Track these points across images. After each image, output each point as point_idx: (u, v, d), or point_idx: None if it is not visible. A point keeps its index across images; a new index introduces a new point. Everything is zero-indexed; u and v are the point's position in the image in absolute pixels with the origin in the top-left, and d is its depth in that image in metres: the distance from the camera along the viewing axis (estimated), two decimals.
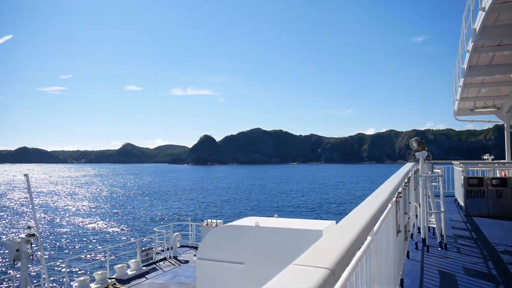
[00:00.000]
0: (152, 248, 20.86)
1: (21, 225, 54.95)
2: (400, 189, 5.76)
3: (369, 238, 2.84)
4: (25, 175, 15.17)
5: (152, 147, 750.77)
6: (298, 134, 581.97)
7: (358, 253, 2.40)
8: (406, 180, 7.22)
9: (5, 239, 43.53)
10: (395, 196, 5.07)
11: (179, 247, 22.86)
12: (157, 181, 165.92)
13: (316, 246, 1.90)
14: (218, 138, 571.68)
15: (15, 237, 13.72)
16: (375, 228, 3.12)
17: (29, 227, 14.03)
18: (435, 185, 12.19)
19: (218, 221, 22.29)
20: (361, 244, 2.35)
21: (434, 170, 11.37)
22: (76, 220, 58.74)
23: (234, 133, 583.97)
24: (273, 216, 12.41)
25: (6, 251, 15.80)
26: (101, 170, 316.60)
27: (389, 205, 4.34)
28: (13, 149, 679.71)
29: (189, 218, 25.33)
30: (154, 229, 22.64)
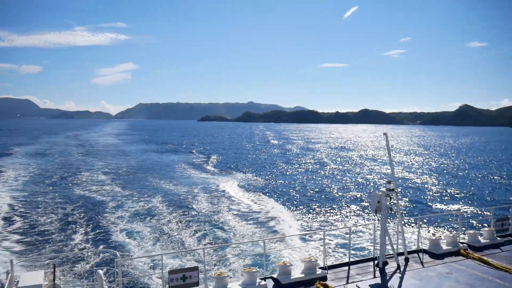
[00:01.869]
0: (509, 218, 18.95)
1: (378, 178, 61.03)
2: None
3: None
4: (385, 134, 16.34)
5: (493, 108, 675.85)
6: None
7: None
8: None
9: (367, 191, 49.56)
10: None
11: None
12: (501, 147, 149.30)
13: None
14: None
15: (376, 190, 15.05)
16: None
17: (389, 182, 15.13)
18: None
19: None
20: None
21: None
22: (425, 179, 60.58)
23: None
24: None
25: (368, 202, 17.68)
26: (428, 133, 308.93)
27: None
28: (356, 111, 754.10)
29: None
30: (511, 198, 20.45)
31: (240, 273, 19.50)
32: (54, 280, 11.82)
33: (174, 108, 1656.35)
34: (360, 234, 29.02)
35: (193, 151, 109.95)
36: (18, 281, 11.23)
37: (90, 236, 29.65)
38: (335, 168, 75.12)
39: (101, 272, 11.53)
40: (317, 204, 42.06)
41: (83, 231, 30.81)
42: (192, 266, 13.56)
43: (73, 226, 32.20)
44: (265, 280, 13.57)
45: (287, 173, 68.23)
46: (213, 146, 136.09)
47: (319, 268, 14.50)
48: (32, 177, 58.26)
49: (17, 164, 72.27)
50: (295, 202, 42.70)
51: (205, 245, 27.62)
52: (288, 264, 13.99)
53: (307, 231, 31.31)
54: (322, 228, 32.16)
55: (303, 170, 72.59)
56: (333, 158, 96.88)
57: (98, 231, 31.02)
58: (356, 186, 53.86)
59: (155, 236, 29.72)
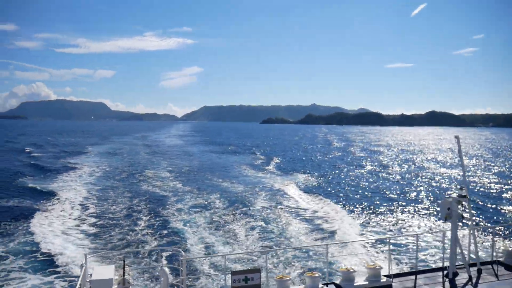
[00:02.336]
0: None
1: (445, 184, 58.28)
2: None
3: None
4: (456, 137, 15.50)
5: None
6: None
7: None
8: None
9: (435, 196, 47.38)
10: None
11: None
12: None
13: None
14: None
15: (447, 196, 14.28)
16: None
17: (460, 188, 14.32)
18: None
19: None
20: None
21: None
22: (499, 185, 56.92)
23: None
24: None
25: (438, 208, 16.82)
26: (501, 135, 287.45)
27: None
28: (422, 113, 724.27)
29: None
30: None
31: (302, 278, 19.35)
32: (124, 275, 12.37)
33: (237, 110, 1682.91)
34: (428, 242, 27.67)
35: (255, 152, 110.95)
36: (91, 274, 11.88)
37: (155, 231, 30.82)
38: (399, 172, 72.50)
39: (166, 269, 11.90)
40: (380, 208, 40.72)
41: (149, 226, 32.12)
42: (254, 267, 13.65)
43: (140, 221, 33.66)
44: (327, 286, 13.34)
45: (349, 176, 66.88)
46: (274, 148, 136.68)
47: (384, 276, 14.03)
48: (104, 173, 61.90)
49: (91, 162, 77.02)
50: (357, 206, 41.64)
51: (264, 246, 27.72)
52: (351, 270, 13.67)
53: (371, 236, 30.42)
54: (387, 234, 31.11)
55: (365, 173, 70.79)
56: (397, 161, 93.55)
57: (162, 225, 32.28)
58: (422, 191, 51.54)
59: (216, 234, 30.27)
